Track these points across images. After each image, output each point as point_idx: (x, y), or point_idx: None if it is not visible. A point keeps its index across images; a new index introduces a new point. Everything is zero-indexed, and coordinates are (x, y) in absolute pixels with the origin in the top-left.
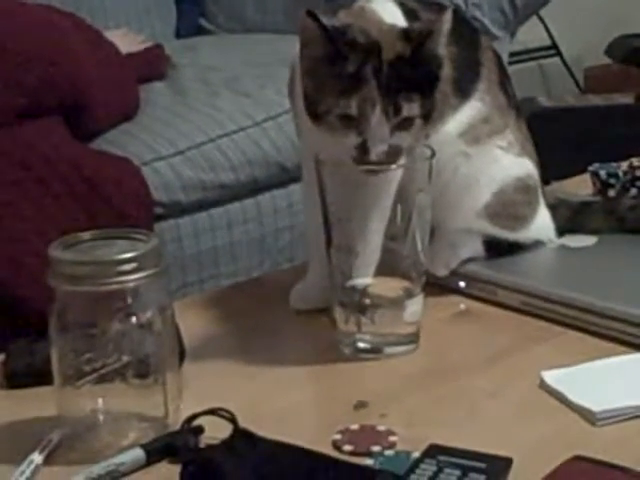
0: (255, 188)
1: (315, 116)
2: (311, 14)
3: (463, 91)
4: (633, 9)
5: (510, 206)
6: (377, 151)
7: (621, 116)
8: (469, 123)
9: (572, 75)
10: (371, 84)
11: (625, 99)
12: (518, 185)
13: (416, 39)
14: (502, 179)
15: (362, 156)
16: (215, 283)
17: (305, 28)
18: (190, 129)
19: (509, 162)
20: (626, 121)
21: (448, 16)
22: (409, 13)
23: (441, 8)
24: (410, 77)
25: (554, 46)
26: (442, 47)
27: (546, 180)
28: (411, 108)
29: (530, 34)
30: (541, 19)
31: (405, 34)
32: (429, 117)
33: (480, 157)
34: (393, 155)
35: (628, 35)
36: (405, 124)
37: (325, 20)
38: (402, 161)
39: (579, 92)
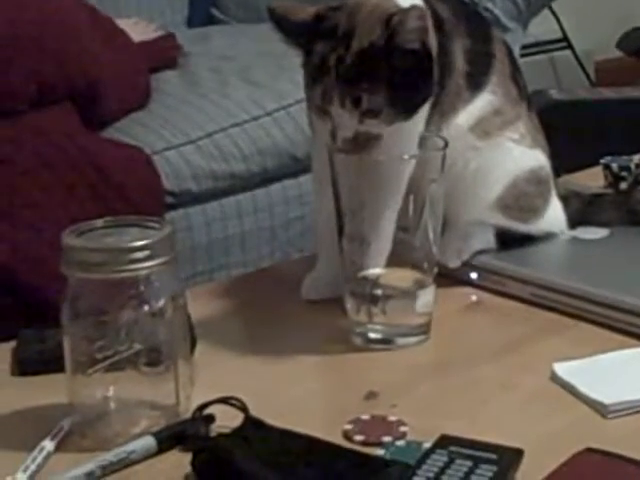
0: (266, 178)
1: (307, 100)
2: (272, 13)
3: (476, 84)
4: None
5: (522, 198)
6: (342, 138)
7: (633, 109)
8: (481, 116)
9: (583, 68)
10: (331, 75)
11: (637, 92)
12: (530, 177)
13: (387, 31)
14: (514, 171)
15: (333, 141)
16: (225, 273)
17: None
18: (201, 118)
19: (521, 154)
20: (638, 114)
21: (415, 12)
22: (426, 4)
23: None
24: (379, 67)
25: (565, 39)
26: (416, 43)
27: (557, 172)
28: (373, 100)
29: (542, 27)
30: (553, 12)
31: (387, 21)
32: (409, 108)
33: (491, 150)
34: (367, 142)
35: (639, 28)
36: (371, 113)
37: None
38: (412, 150)
39: (590, 85)
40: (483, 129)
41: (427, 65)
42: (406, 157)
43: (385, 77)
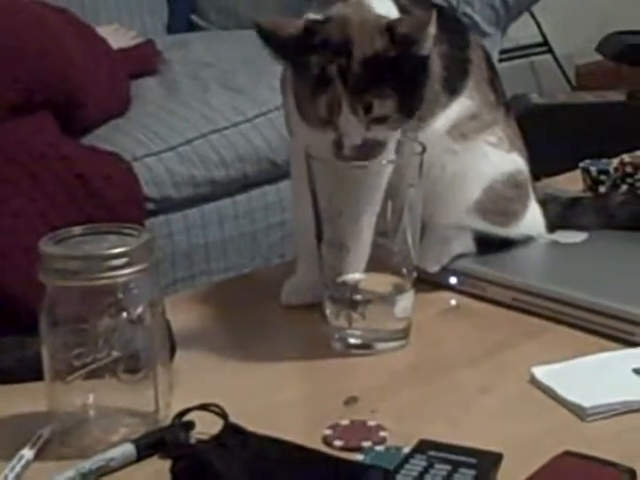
0: (246, 184)
1: (301, 114)
2: (259, 29)
3: (452, 89)
4: (624, 6)
5: (500, 202)
6: (350, 146)
7: (612, 113)
8: (457, 119)
9: (564, 72)
10: (336, 84)
11: (617, 96)
12: (508, 181)
13: (400, 41)
14: (492, 175)
15: (338, 152)
16: (206, 279)
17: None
18: (181, 125)
19: (499, 158)
20: (617, 118)
21: (432, 19)
22: (402, 10)
23: (431, 5)
24: (386, 74)
25: (546, 43)
26: (427, 49)
27: (537, 176)
28: (384, 105)
29: (522, 31)
30: (533, 16)
31: (388, 30)
32: (411, 111)
33: (468, 153)
34: (373, 148)
35: (620, 32)
36: (379, 119)
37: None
38: (390, 155)
39: (571, 89)
40: (460, 132)
41: (426, 68)
42: (384, 162)
43: (393, 82)
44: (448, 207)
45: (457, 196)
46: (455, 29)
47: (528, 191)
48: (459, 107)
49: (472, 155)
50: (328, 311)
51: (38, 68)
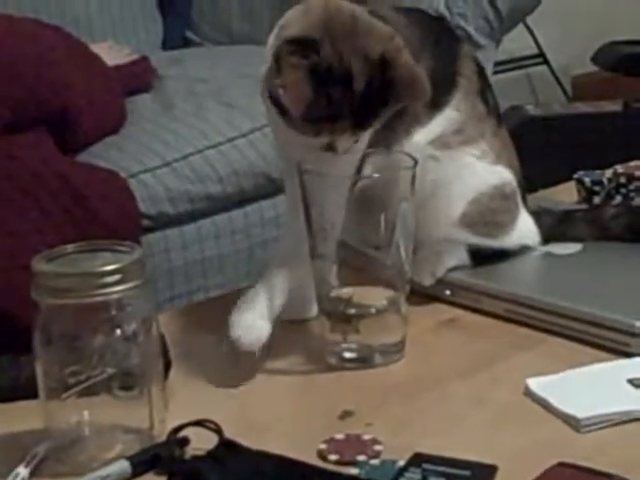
0: (242, 199)
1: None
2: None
3: (435, 104)
4: (620, 16)
5: (488, 214)
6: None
7: (609, 124)
8: (442, 132)
9: (560, 83)
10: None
11: (613, 107)
12: (494, 193)
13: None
14: (476, 187)
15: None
16: (203, 294)
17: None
18: (177, 141)
19: (482, 170)
20: (614, 129)
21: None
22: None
23: (427, 17)
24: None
25: (541, 54)
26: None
27: (534, 188)
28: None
29: (517, 43)
30: (528, 27)
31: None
32: None
33: (450, 162)
34: None
35: (615, 42)
36: None
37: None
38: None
39: (567, 100)
40: (442, 142)
41: None
42: (376, 176)
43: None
44: (436, 220)
45: (443, 210)
46: (446, 42)
47: (517, 202)
48: (444, 120)
49: (455, 164)
50: (323, 325)
51: (32, 85)
